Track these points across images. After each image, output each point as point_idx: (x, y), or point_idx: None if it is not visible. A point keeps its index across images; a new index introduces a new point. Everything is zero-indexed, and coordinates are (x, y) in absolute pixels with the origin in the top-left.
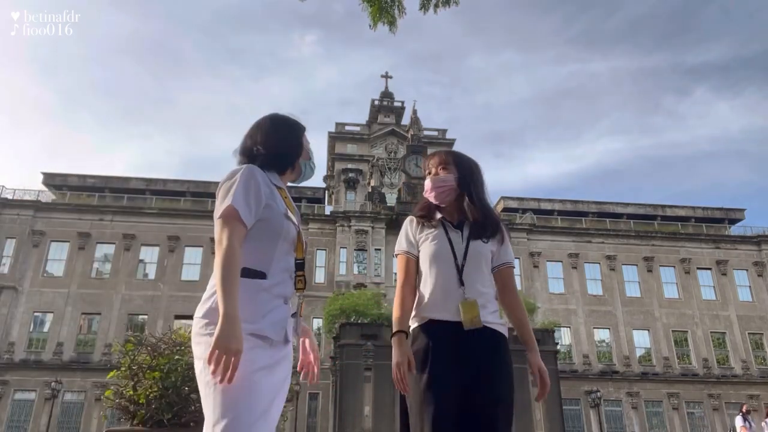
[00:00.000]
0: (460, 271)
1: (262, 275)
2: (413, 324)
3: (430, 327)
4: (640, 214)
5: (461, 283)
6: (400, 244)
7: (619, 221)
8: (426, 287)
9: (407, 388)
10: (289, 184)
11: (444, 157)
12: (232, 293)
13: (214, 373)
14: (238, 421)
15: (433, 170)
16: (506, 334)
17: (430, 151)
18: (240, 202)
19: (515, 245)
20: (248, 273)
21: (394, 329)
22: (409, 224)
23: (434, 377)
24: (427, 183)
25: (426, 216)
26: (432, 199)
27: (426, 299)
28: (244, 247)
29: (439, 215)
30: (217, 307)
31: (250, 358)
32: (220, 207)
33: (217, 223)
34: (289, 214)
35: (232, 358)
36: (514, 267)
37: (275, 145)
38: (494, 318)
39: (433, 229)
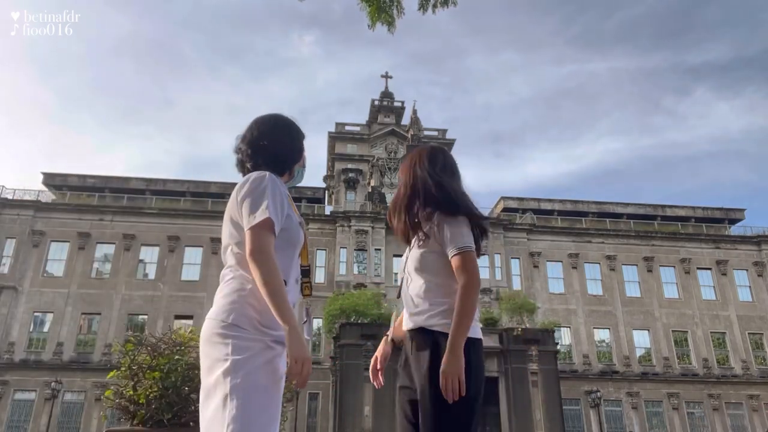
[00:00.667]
0: (403, 282)
1: (284, 282)
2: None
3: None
4: (640, 214)
5: (398, 294)
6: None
7: (619, 221)
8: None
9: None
10: (293, 183)
11: (404, 160)
12: (287, 304)
13: (294, 378)
14: (266, 424)
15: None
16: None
17: None
18: (274, 214)
19: (515, 245)
20: None
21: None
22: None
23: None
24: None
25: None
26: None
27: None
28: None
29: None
30: (246, 313)
31: (275, 366)
32: (253, 217)
33: (251, 233)
34: (301, 220)
35: (308, 363)
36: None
37: (280, 147)
38: (425, 321)
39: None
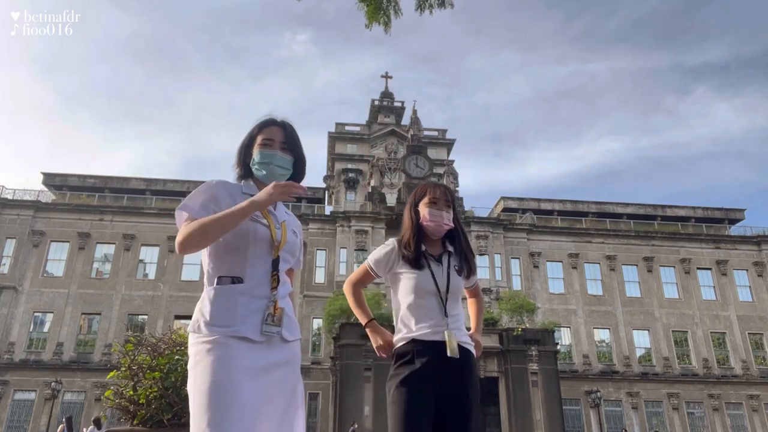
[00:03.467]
0: (444, 303)
1: (238, 280)
2: (400, 342)
3: (416, 345)
4: (640, 214)
5: (446, 314)
6: (374, 258)
7: (619, 221)
8: (411, 313)
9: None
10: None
11: (449, 194)
12: (226, 212)
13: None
14: (212, 420)
15: (439, 204)
16: (473, 351)
17: (430, 151)
18: (190, 203)
19: (515, 245)
20: (224, 280)
21: (366, 319)
22: (390, 250)
23: (419, 389)
24: (427, 213)
25: (411, 254)
26: (431, 232)
27: (413, 324)
28: (218, 256)
29: (422, 246)
30: (196, 318)
31: (230, 359)
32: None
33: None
34: (256, 216)
35: (279, 186)
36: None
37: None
38: (465, 337)
39: (414, 265)
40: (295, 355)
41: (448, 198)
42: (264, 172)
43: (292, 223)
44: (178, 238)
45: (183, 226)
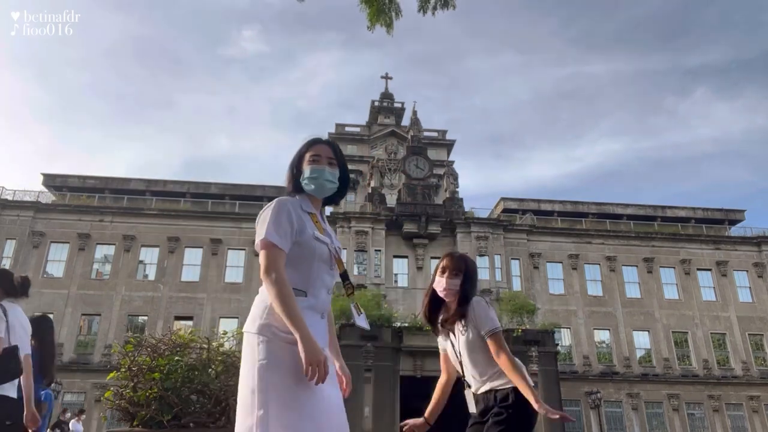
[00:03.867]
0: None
1: (302, 293)
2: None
3: None
4: (640, 215)
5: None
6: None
7: (619, 222)
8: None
9: None
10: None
11: (458, 263)
12: (297, 316)
13: (310, 379)
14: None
15: (448, 272)
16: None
17: (430, 152)
18: (272, 232)
19: (515, 246)
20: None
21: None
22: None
23: None
24: (443, 283)
25: (442, 323)
26: (445, 297)
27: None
28: (287, 270)
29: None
30: (270, 323)
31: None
32: (257, 240)
33: (261, 255)
34: (318, 235)
35: (322, 365)
36: (493, 333)
37: (288, 171)
38: (493, 383)
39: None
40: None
41: (457, 267)
42: (313, 186)
43: (335, 239)
44: (269, 269)
45: (270, 253)
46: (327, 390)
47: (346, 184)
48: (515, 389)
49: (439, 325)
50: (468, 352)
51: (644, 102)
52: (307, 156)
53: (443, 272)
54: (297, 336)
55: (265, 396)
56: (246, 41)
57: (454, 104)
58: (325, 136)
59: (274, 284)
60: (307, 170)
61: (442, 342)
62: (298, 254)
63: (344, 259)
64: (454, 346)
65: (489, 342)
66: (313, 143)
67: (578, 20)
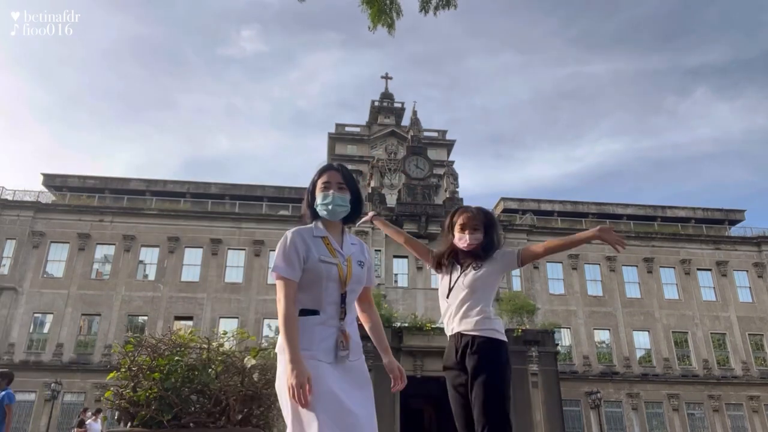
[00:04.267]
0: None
1: (315, 312)
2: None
3: None
4: (640, 215)
5: None
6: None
7: (619, 222)
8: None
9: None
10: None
11: (476, 220)
12: (292, 341)
13: (292, 398)
14: (323, 421)
15: (468, 229)
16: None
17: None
18: (279, 265)
19: (515, 246)
20: (304, 312)
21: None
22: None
23: None
24: (465, 239)
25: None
26: (468, 249)
27: None
28: (300, 292)
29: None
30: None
31: (318, 375)
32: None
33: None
34: (325, 257)
35: (300, 388)
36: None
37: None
38: (478, 326)
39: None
40: (358, 370)
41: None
42: (325, 212)
43: (358, 253)
44: (278, 297)
45: (279, 284)
46: (341, 392)
47: (358, 205)
48: (496, 339)
49: (445, 258)
50: (471, 289)
51: (644, 102)
52: (319, 183)
53: (463, 229)
54: (286, 357)
55: (286, 406)
56: (245, 41)
57: (454, 104)
58: (333, 164)
59: (280, 311)
60: (319, 197)
61: (437, 275)
62: (308, 278)
63: (374, 260)
64: (452, 282)
65: (522, 250)
66: (324, 171)
67: (578, 20)
